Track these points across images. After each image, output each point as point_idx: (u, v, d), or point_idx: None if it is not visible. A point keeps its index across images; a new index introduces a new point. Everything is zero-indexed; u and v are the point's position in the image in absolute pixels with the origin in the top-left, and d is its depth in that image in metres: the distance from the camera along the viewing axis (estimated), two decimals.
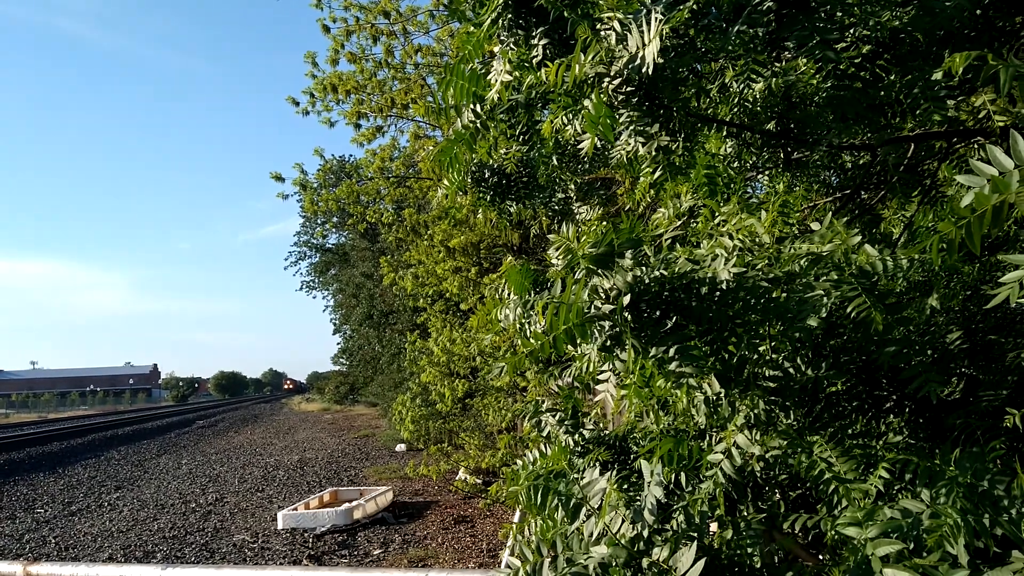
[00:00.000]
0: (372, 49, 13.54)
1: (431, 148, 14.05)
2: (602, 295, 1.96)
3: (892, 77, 2.16)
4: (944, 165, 3.26)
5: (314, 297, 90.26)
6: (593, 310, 1.95)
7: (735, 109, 2.77)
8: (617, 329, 1.95)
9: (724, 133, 2.87)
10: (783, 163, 2.92)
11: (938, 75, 2.11)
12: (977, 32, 2.28)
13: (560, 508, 2.18)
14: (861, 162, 3.57)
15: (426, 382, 13.92)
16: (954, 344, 2.56)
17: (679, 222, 3.15)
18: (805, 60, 2.55)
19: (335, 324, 50.76)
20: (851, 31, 2.23)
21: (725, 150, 2.96)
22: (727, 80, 2.74)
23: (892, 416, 2.65)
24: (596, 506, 2.18)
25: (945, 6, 2.09)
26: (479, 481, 13.58)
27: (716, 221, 2.85)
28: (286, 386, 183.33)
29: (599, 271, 2.01)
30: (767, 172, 3.18)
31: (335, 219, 33.45)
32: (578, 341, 1.95)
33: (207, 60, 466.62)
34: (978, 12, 2.27)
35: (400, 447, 22.71)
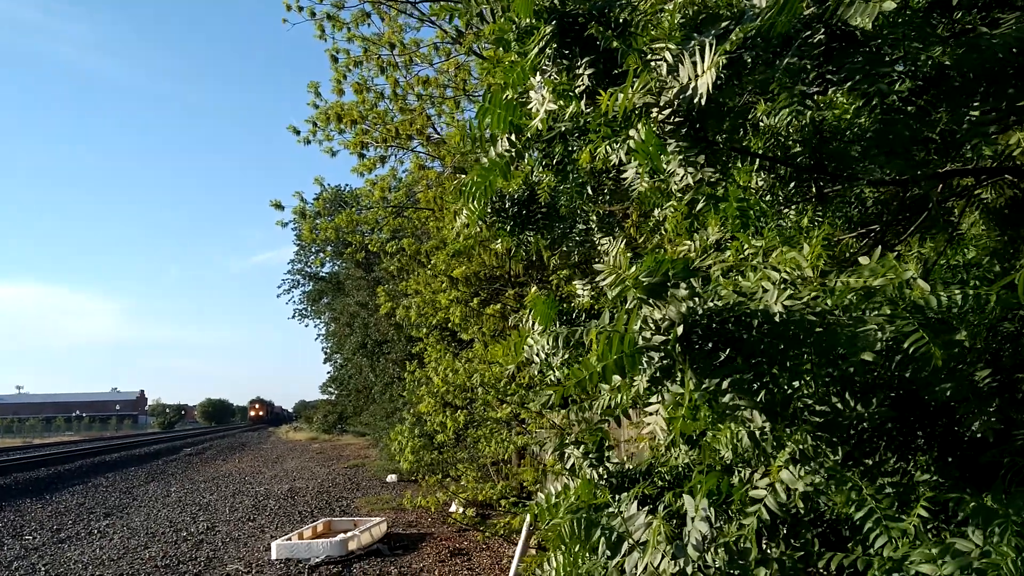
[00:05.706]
0: (374, 80, 13.59)
1: (432, 180, 14.10)
2: (652, 325, 1.94)
3: (939, 112, 2.17)
4: (961, 203, 3.26)
5: (306, 326, 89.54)
6: (642, 340, 1.92)
7: (769, 143, 2.77)
8: (668, 360, 1.92)
9: (756, 166, 2.87)
10: (815, 197, 2.91)
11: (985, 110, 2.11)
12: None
13: (603, 542, 2.14)
14: (882, 198, 3.57)
15: (423, 412, 13.80)
16: (983, 382, 2.54)
17: (707, 255, 3.14)
18: (843, 94, 2.56)
19: (326, 353, 50.55)
20: (896, 66, 2.23)
21: (756, 183, 2.95)
22: (759, 113, 2.74)
23: (920, 454, 2.62)
24: (637, 540, 2.14)
25: (992, 43, 2.10)
26: (475, 514, 13.43)
27: (745, 253, 2.83)
28: (252, 413, 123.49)
29: (650, 300, 1.98)
30: (795, 206, 3.17)
31: (330, 248, 33.45)
32: (627, 371, 1.93)
33: (202, 88, 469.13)
34: None
35: (391, 477, 22.49)
